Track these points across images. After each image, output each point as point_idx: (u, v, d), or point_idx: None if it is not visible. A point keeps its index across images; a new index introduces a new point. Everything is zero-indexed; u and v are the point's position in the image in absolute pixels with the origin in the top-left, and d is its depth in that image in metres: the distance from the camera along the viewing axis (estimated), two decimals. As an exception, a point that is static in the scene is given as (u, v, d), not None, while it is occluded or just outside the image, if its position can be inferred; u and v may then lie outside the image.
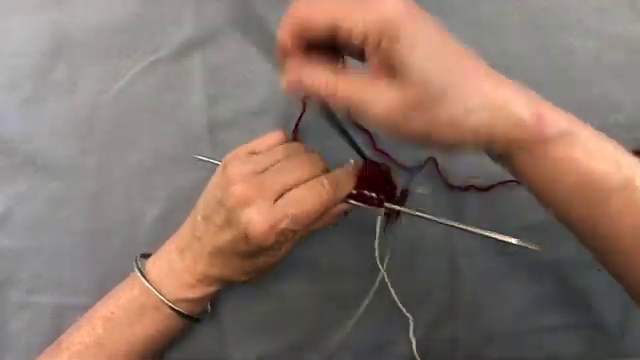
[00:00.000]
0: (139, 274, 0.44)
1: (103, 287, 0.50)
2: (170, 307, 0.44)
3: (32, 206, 0.51)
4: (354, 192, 0.42)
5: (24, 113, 0.51)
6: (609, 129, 0.50)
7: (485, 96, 0.31)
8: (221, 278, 0.44)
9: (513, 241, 0.36)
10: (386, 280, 0.49)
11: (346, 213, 0.44)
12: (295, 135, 0.51)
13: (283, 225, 0.39)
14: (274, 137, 0.45)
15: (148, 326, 0.44)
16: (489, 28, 0.51)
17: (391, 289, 0.49)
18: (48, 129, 0.51)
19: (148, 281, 0.44)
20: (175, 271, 0.44)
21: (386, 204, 0.42)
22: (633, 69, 0.50)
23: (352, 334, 0.52)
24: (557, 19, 0.50)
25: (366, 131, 0.50)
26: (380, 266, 0.44)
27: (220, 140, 0.51)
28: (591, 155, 0.32)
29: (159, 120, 0.51)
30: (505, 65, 0.50)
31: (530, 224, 0.50)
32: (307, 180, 0.40)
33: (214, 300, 0.50)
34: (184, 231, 0.46)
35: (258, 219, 0.38)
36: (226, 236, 0.41)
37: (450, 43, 0.32)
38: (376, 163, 0.45)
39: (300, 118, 0.51)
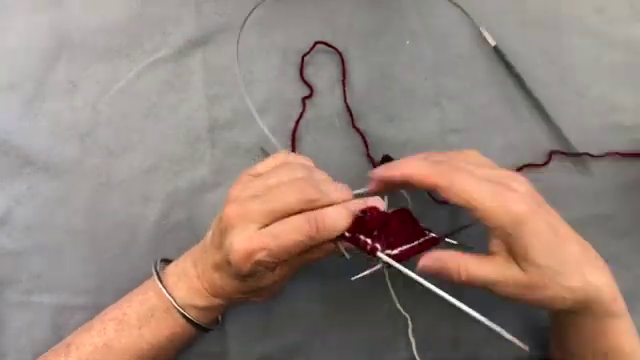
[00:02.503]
0: (155, 275, 0.45)
1: (103, 287, 0.50)
2: (179, 311, 0.44)
3: (32, 206, 0.51)
4: (347, 234, 0.39)
5: (24, 113, 0.51)
6: (609, 129, 0.51)
7: (585, 279, 0.39)
8: (223, 293, 0.44)
9: (506, 335, 0.38)
10: (387, 281, 0.49)
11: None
12: (294, 135, 0.51)
13: (259, 256, 0.38)
14: (279, 157, 0.44)
15: (156, 330, 0.44)
16: (489, 28, 0.51)
17: (391, 289, 0.49)
18: (48, 129, 0.51)
19: (163, 285, 0.44)
20: (188, 277, 0.45)
21: (379, 254, 0.39)
22: (633, 69, 0.51)
23: (352, 334, 0.52)
24: (557, 19, 0.50)
25: (362, 136, 0.51)
26: (384, 268, 0.43)
27: (220, 140, 0.51)
28: (626, 333, 0.41)
29: (159, 120, 0.51)
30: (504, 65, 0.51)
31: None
32: (294, 210, 0.39)
33: (224, 313, 0.50)
34: (201, 244, 0.46)
35: (236, 245, 0.38)
36: (217, 256, 0.41)
37: (562, 232, 0.39)
38: (403, 210, 0.42)
39: (300, 118, 0.51)
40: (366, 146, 0.50)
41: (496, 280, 0.38)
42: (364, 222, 0.39)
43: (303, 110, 0.51)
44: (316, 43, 0.50)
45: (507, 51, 0.51)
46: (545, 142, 0.51)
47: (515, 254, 0.38)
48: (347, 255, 0.41)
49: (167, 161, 0.51)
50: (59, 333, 0.46)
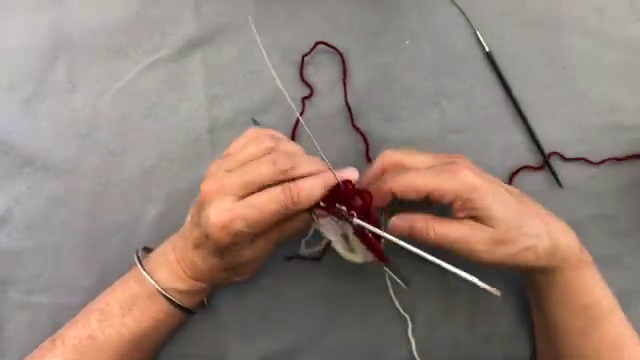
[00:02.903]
0: (136, 261, 0.45)
1: (102, 287, 0.50)
2: (161, 293, 0.44)
3: (32, 206, 0.51)
4: (322, 204, 0.40)
5: (24, 113, 0.51)
6: (609, 129, 0.51)
7: (548, 225, 0.42)
8: (203, 274, 0.44)
9: (479, 284, 0.38)
10: (387, 280, 0.49)
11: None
12: (294, 134, 0.51)
13: (236, 226, 0.38)
14: (250, 134, 0.44)
15: (139, 317, 0.44)
16: (490, 28, 0.51)
17: (390, 289, 0.49)
18: (48, 129, 0.51)
19: (145, 267, 0.45)
20: (168, 263, 0.45)
21: (355, 220, 0.40)
22: (633, 69, 0.51)
23: (352, 334, 0.52)
24: (557, 19, 0.50)
25: (363, 137, 0.51)
26: (385, 267, 0.43)
27: (220, 140, 0.51)
28: (598, 282, 0.43)
29: (159, 120, 0.51)
30: (506, 65, 0.51)
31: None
32: (270, 181, 0.39)
33: (210, 296, 0.50)
34: (180, 230, 0.47)
35: (213, 217, 0.39)
36: (195, 233, 0.42)
37: (513, 193, 0.42)
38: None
39: (298, 119, 0.51)
40: (367, 146, 0.50)
41: (465, 238, 0.40)
42: (339, 193, 0.40)
43: (302, 110, 0.51)
44: (317, 43, 0.50)
45: (507, 51, 0.51)
46: (545, 142, 0.51)
47: (480, 217, 0.40)
48: (318, 223, 0.42)
49: (167, 161, 0.51)
50: (58, 333, 0.46)
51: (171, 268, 0.45)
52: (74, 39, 0.51)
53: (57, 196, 0.51)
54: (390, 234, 0.40)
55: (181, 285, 0.45)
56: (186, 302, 0.46)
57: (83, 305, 0.47)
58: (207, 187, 0.40)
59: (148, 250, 0.48)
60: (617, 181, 0.51)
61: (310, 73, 0.51)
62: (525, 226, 0.40)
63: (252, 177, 0.39)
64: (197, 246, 0.43)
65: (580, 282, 0.43)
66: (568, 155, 0.51)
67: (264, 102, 0.51)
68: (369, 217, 0.40)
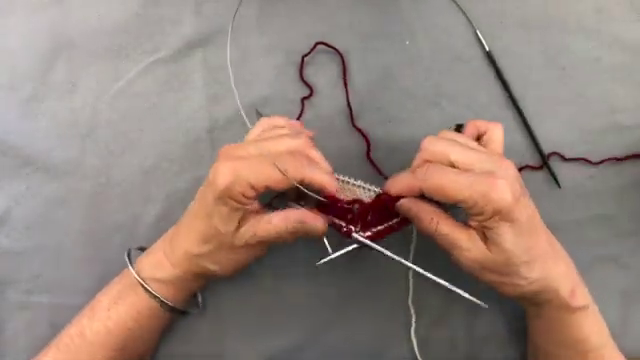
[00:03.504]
0: (126, 257, 0.46)
1: (102, 287, 0.50)
2: (140, 283, 0.44)
3: (31, 206, 0.51)
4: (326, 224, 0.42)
5: (24, 113, 0.51)
6: (609, 129, 0.51)
7: (545, 272, 0.41)
8: (185, 250, 0.44)
9: (465, 295, 0.40)
10: (409, 279, 0.50)
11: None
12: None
13: (243, 172, 0.39)
14: (263, 123, 0.46)
15: (122, 310, 0.45)
16: (490, 28, 0.51)
17: (411, 284, 0.50)
18: (48, 129, 0.51)
19: (136, 265, 0.46)
20: (152, 251, 0.47)
21: (354, 235, 0.42)
22: (633, 69, 0.51)
23: (352, 334, 0.52)
24: (557, 19, 0.50)
25: (364, 137, 0.51)
26: (410, 264, 0.43)
27: (220, 140, 0.51)
28: (588, 323, 0.43)
29: (159, 120, 0.51)
30: (506, 65, 0.51)
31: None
32: (285, 152, 0.41)
33: (204, 295, 0.50)
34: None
35: (225, 161, 0.40)
36: (198, 199, 0.43)
37: (534, 225, 0.41)
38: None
39: (299, 118, 0.51)
40: (367, 146, 0.50)
41: (463, 246, 0.40)
42: (339, 205, 0.42)
43: (302, 110, 0.51)
44: (317, 44, 0.50)
45: (507, 51, 0.51)
46: (545, 142, 0.51)
47: (488, 237, 0.39)
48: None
49: (167, 161, 0.51)
50: (58, 333, 0.46)
51: (154, 256, 0.46)
52: (74, 39, 0.51)
53: (57, 196, 0.51)
54: (399, 210, 0.42)
55: (159, 273, 0.45)
56: (167, 296, 0.45)
57: (83, 305, 0.47)
58: (225, 147, 0.42)
59: (144, 250, 0.48)
60: (617, 181, 0.51)
61: (310, 73, 0.51)
62: (523, 269, 0.40)
63: (271, 143, 0.41)
64: (190, 213, 0.44)
65: (565, 321, 0.43)
66: (568, 155, 0.51)
67: (264, 102, 0.51)
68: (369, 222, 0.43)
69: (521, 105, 0.51)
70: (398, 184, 0.42)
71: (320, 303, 0.52)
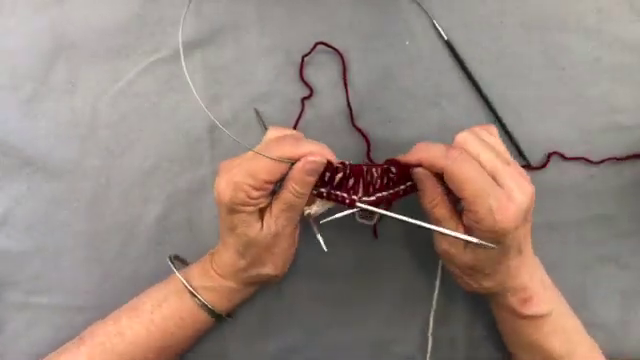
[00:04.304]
0: (168, 261, 0.47)
1: (103, 288, 0.50)
2: (187, 289, 0.45)
3: (31, 207, 0.51)
4: (324, 192, 0.43)
5: (24, 113, 0.51)
6: (609, 129, 0.51)
7: (499, 284, 0.43)
8: (232, 268, 0.45)
9: (473, 240, 0.40)
10: (437, 276, 0.49)
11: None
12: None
13: (237, 177, 0.40)
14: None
15: (167, 313, 0.45)
16: (488, 28, 0.51)
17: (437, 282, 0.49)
18: (48, 130, 0.51)
19: (176, 269, 0.46)
20: (202, 261, 0.48)
21: (359, 204, 0.43)
22: (633, 69, 0.51)
23: (352, 333, 0.52)
24: (557, 19, 0.50)
25: (364, 137, 0.51)
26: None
27: (220, 140, 0.51)
28: (552, 332, 0.44)
29: (159, 120, 0.51)
30: (505, 65, 0.51)
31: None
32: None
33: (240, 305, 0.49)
34: None
35: (221, 175, 0.42)
36: (220, 216, 0.44)
37: (516, 246, 0.41)
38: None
39: (299, 118, 0.51)
40: (368, 146, 0.50)
41: (449, 238, 0.42)
42: (337, 171, 0.42)
43: (302, 110, 0.51)
44: (317, 44, 0.50)
45: (507, 51, 0.51)
46: (545, 142, 0.51)
47: (479, 238, 0.40)
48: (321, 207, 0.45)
49: (167, 162, 0.51)
50: (58, 334, 0.46)
51: (202, 266, 0.47)
52: (74, 39, 0.51)
53: (57, 196, 0.51)
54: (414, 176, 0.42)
55: (209, 282, 0.46)
56: (215, 304, 0.46)
57: (83, 306, 0.47)
58: (223, 162, 0.44)
59: (181, 260, 0.50)
60: (617, 181, 0.51)
61: (310, 73, 0.51)
62: (480, 277, 0.43)
63: (258, 148, 0.42)
64: (220, 231, 0.45)
65: (516, 324, 0.45)
66: (568, 155, 0.51)
67: (264, 102, 0.51)
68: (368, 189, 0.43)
69: (521, 105, 0.51)
70: (427, 152, 0.41)
71: (320, 303, 0.52)
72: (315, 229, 0.46)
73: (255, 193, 0.41)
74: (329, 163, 0.42)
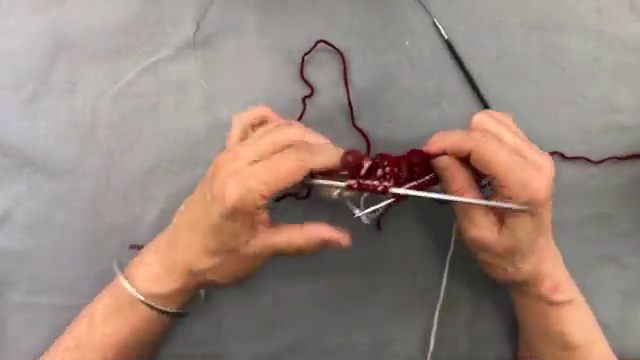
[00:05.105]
0: (115, 267, 0.45)
1: (102, 288, 0.50)
2: (141, 300, 0.43)
3: (31, 206, 0.51)
4: (354, 184, 0.41)
5: (24, 113, 0.51)
6: (609, 129, 0.51)
7: (535, 266, 0.42)
8: (187, 265, 0.42)
9: (505, 205, 0.39)
10: (444, 274, 0.50)
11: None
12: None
13: (251, 182, 0.38)
14: (236, 123, 0.45)
15: (122, 325, 0.44)
16: (488, 28, 0.51)
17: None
18: (48, 130, 0.51)
19: (127, 274, 0.44)
20: (146, 263, 0.45)
21: (392, 190, 0.41)
22: (633, 69, 0.51)
23: (351, 334, 0.52)
24: (555, 19, 0.50)
25: (365, 137, 0.51)
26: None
27: (219, 141, 0.51)
28: (575, 320, 0.44)
29: (159, 120, 0.51)
30: (505, 65, 0.51)
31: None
32: (284, 145, 0.40)
33: (208, 290, 0.49)
34: (167, 227, 0.46)
35: (228, 175, 0.39)
36: (199, 210, 0.41)
37: (548, 224, 0.42)
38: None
39: (300, 117, 0.51)
40: (368, 146, 0.50)
41: (476, 221, 0.41)
42: (363, 169, 0.41)
43: (304, 109, 0.51)
44: (318, 42, 0.50)
45: (507, 51, 0.51)
46: (545, 142, 0.51)
47: (505, 222, 0.40)
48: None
49: (167, 161, 0.51)
50: (58, 334, 0.46)
51: (150, 269, 0.44)
52: (74, 39, 0.51)
53: (57, 196, 0.51)
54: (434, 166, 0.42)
55: (160, 288, 0.43)
56: (171, 304, 0.44)
57: (83, 306, 0.47)
58: (221, 157, 0.41)
59: (139, 247, 0.47)
60: (617, 180, 0.51)
61: (310, 72, 0.51)
62: (519, 259, 0.41)
63: (268, 140, 0.40)
64: (192, 224, 0.42)
65: (545, 312, 0.44)
66: (568, 155, 0.51)
67: (264, 102, 0.51)
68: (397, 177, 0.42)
69: (521, 105, 0.51)
70: (448, 139, 0.41)
71: (320, 303, 0.52)
72: (355, 209, 0.43)
73: (263, 203, 0.39)
74: (359, 157, 0.41)
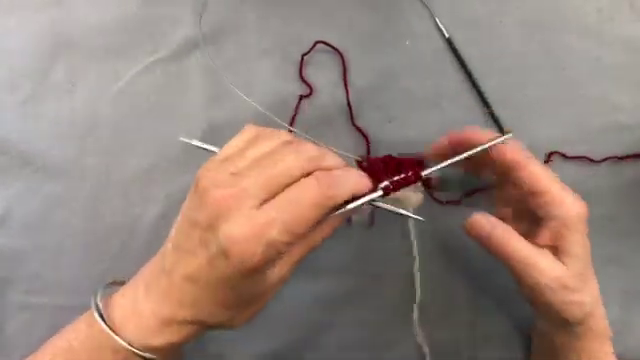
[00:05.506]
0: (96, 314, 0.37)
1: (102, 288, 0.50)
2: (132, 352, 0.36)
3: (31, 206, 0.51)
4: (390, 186, 0.37)
5: (23, 113, 0.51)
6: (610, 129, 0.51)
7: (596, 292, 0.41)
8: (193, 320, 0.35)
9: (402, 212, 0.38)
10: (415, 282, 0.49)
11: (349, 221, 0.42)
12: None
13: (272, 234, 0.31)
14: (246, 134, 0.37)
15: None
16: (488, 28, 0.51)
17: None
18: (47, 129, 0.51)
19: (110, 319, 0.36)
20: (138, 313, 0.36)
21: (424, 173, 0.39)
22: (633, 69, 0.50)
23: (351, 334, 0.52)
24: (557, 19, 0.50)
25: (364, 136, 0.50)
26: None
27: (219, 141, 0.51)
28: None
29: (158, 120, 0.51)
30: (505, 65, 0.51)
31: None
32: (296, 175, 0.33)
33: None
34: (154, 265, 0.38)
35: (237, 229, 0.31)
36: (200, 260, 0.33)
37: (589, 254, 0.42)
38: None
39: (295, 115, 0.51)
40: (367, 146, 0.50)
41: (542, 265, 0.38)
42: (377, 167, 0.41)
43: (297, 108, 0.51)
44: (317, 42, 0.50)
45: (507, 51, 0.51)
46: (545, 142, 0.51)
47: (559, 248, 0.39)
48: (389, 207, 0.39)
49: (166, 161, 0.51)
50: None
51: (142, 320, 0.36)
52: (74, 39, 0.51)
53: (56, 196, 0.51)
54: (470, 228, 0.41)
55: (155, 341, 0.36)
56: (164, 355, 0.37)
57: (83, 306, 0.46)
58: (218, 195, 0.32)
59: (120, 283, 0.40)
60: (618, 180, 0.51)
61: (310, 73, 0.51)
62: (590, 280, 0.41)
63: (276, 170, 0.32)
64: (193, 280, 0.34)
65: (595, 352, 0.42)
66: (569, 155, 0.51)
67: (263, 102, 0.51)
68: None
69: (521, 105, 0.51)
70: (510, 147, 0.40)
71: (320, 303, 0.52)
72: (401, 211, 0.40)
73: (288, 249, 0.32)
74: (376, 162, 0.41)
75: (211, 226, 0.32)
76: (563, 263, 0.39)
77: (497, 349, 0.52)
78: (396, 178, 0.38)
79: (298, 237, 0.32)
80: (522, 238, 0.40)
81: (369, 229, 0.50)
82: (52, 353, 0.39)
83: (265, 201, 0.32)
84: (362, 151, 0.50)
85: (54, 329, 0.47)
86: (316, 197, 0.32)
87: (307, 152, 0.34)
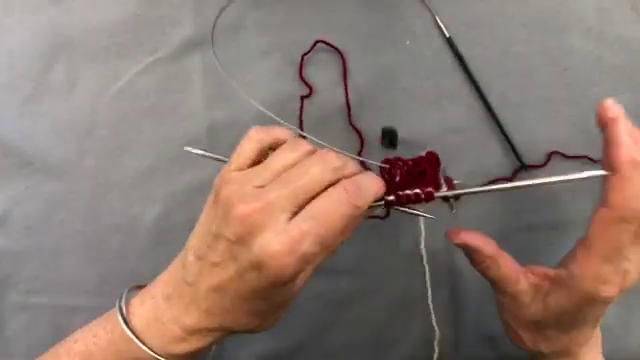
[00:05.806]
0: (122, 322, 0.37)
1: (102, 288, 0.50)
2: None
3: (31, 207, 0.51)
4: (391, 198, 0.37)
5: (23, 113, 0.51)
6: (610, 129, 0.51)
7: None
8: (220, 328, 0.36)
9: (582, 175, 0.39)
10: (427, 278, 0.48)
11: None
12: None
13: (305, 247, 0.32)
14: (253, 139, 0.37)
15: None
16: (489, 28, 0.51)
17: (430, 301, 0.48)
18: (47, 129, 0.51)
19: (130, 325, 0.37)
20: (161, 322, 0.36)
21: (438, 194, 0.38)
22: (634, 69, 0.50)
23: (352, 334, 0.52)
24: (557, 19, 0.50)
25: (359, 135, 0.50)
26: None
27: (219, 141, 0.51)
28: None
29: (158, 121, 0.51)
30: (505, 65, 0.51)
31: (526, 225, 0.50)
32: (324, 185, 0.34)
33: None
34: (172, 274, 0.38)
35: (274, 244, 0.32)
36: (229, 272, 0.34)
37: None
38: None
39: (300, 116, 0.51)
40: (361, 144, 0.50)
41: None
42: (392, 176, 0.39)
43: (301, 108, 0.51)
44: (317, 42, 0.50)
45: (507, 51, 0.51)
46: (546, 142, 0.51)
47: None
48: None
49: (166, 161, 0.51)
50: (58, 334, 0.46)
51: (166, 329, 0.36)
52: (74, 39, 0.51)
53: (56, 196, 0.51)
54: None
55: (180, 349, 0.36)
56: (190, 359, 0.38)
57: (83, 306, 0.47)
58: (248, 209, 0.32)
59: (139, 287, 0.40)
60: (618, 181, 0.51)
61: (310, 73, 0.51)
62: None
63: (303, 183, 0.33)
64: (222, 292, 0.34)
65: None
66: (569, 155, 0.51)
67: (263, 102, 0.51)
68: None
69: (522, 106, 0.51)
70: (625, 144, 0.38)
71: (320, 303, 0.52)
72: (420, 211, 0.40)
73: (321, 257, 0.34)
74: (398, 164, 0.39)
75: (241, 240, 0.33)
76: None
77: (500, 349, 0.52)
78: (412, 192, 0.38)
79: (328, 247, 0.33)
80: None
81: (383, 222, 0.50)
82: (69, 357, 0.39)
83: (294, 213, 0.33)
84: (362, 151, 0.50)
85: (54, 329, 0.47)
86: (346, 209, 0.33)
87: (332, 162, 0.35)
